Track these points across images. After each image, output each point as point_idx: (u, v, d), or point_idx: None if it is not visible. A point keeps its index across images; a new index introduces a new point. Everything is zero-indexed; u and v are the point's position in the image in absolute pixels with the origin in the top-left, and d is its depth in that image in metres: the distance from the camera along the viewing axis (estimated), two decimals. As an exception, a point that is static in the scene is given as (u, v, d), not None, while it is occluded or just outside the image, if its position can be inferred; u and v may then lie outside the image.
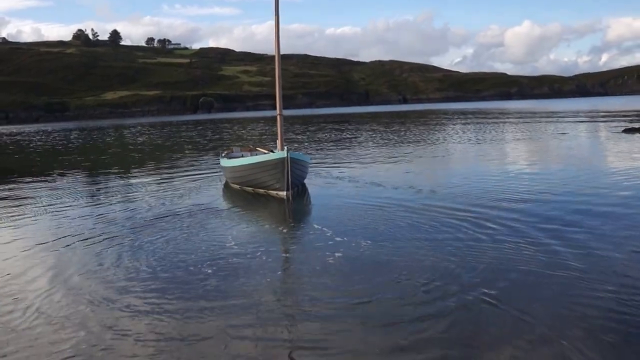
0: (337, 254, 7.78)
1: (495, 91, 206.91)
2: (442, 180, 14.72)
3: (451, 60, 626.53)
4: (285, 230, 9.70)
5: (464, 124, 45.19)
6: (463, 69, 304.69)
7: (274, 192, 12.58)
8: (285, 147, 12.39)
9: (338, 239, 8.63)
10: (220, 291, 6.49)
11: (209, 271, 7.24)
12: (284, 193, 12.15)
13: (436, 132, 35.40)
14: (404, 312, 5.72)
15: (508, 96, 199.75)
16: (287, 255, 8.25)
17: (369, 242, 8.40)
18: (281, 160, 12.01)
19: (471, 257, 7.44)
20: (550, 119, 46.40)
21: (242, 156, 15.30)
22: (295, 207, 11.63)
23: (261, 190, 13.01)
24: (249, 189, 13.46)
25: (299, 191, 13.24)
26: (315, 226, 9.60)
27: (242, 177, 13.59)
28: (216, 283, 6.78)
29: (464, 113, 71.36)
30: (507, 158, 19.93)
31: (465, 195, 11.89)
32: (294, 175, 12.17)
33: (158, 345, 5.21)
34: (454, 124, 45.10)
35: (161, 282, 6.89)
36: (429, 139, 29.30)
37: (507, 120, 49.14)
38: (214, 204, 12.11)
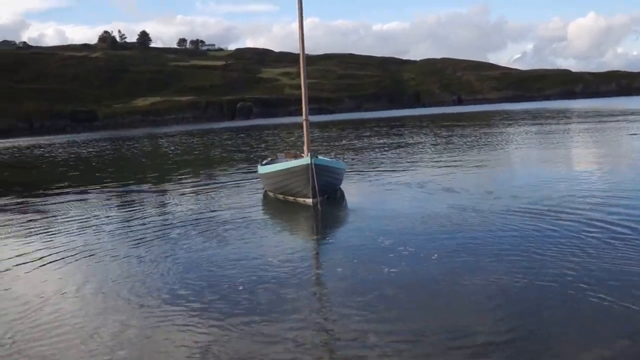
0: (376, 273, 7.75)
1: (557, 89, 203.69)
2: (517, 183, 15.13)
3: (510, 56, 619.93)
4: (310, 243, 10.13)
5: (528, 125, 45.01)
6: (522, 66, 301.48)
7: (301, 200, 13.11)
8: (309, 153, 12.90)
9: (375, 252, 8.77)
10: (246, 306, 6.78)
11: (228, 286, 7.60)
12: (311, 200, 12.67)
13: (500, 135, 35.42)
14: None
15: (572, 95, 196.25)
16: (305, 270, 8.19)
17: (423, 255, 8.47)
18: (305, 167, 12.46)
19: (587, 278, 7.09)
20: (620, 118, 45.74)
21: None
22: (324, 216, 11.92)
23: (290, 198, 13.56)
24: (281, 196, 14.06)
25: (334, 197, 13.96)
26: (347, 237, 10.08)
27: (274, 184, 14.28)
28: (241, 297, 7.12)
29: (527, 113, 70.53)
30: (582, 160, 20.30)
31: (547, 199, 12.15)
32: (321, 182, 12.51)
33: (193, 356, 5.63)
34: (517, 126, 44.92)
35: (199, 296, 7.26)
36: (494, 143, 29.43)
37: (573, 120, 48.68)
38: (245, 213, 12.64)
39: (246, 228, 11.05)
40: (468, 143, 30.64)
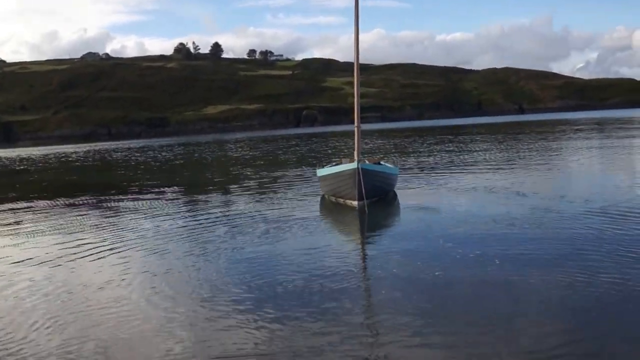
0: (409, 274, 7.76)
1: (622, 98, 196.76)
2: (587, 188, 14.56)
3: (573, 65, 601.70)
4: (356, 244, 10.32)
5: (593, 133, 43.37)
6: (586, 75, 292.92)
7: (349, 202, 13.57)
8: (357, 159, 13.49)
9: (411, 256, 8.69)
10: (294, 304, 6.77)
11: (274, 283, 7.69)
12: (356, 203, 13.10)
13: (564, 142, 34.09)
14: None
15: (636, 104, 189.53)
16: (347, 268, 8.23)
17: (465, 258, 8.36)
18: (352, 171, 13.09)
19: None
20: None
21: None
22: (369, 218, 12.28)
23: (341, 200, 14.12)
24: (333, 198, 14.69)
25: (385, 200, 14.42)
26: (391, 239, 10.34)
27: (327, 187, 15.01)
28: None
29: (591, 122, 68.41)
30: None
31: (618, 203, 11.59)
32: (368, 186, 12.93)
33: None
34: (582, 133, 43.37)
35: (250, 294, 7.25)
36: (558, 149, 28.23)
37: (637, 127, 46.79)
38: (300, 214, 13.01)
39: (299, 227, 11.43)
40: (532, 150, 29.44)
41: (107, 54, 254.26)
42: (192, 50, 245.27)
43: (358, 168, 12.89)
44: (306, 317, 6.25)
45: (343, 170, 13.63)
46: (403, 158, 28.95)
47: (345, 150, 38.48)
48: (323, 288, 7.22)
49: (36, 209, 17.28)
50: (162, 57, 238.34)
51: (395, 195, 15.37)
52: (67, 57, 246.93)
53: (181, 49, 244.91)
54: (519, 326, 5.78)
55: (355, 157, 13.97)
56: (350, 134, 76.43)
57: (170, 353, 5.60)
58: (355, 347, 5.48)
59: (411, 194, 15.72)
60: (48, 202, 18.91)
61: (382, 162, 17.99)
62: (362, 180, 12.79)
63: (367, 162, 15.42)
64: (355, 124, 14.77)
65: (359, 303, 6.75)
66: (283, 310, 6.52)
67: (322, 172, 15.48)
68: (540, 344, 5.32)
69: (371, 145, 44.95)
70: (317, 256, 8.89)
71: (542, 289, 6.83)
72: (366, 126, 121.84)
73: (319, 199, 15.46)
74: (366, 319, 6.24)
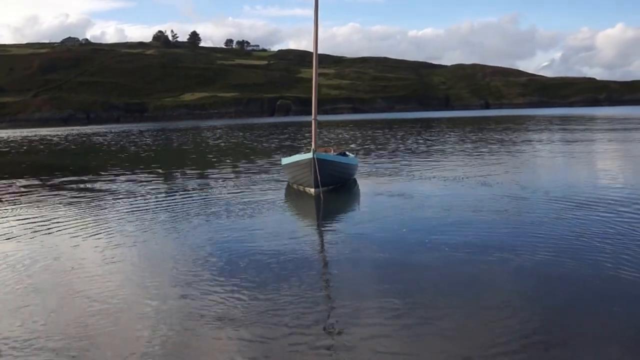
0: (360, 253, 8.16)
1: (582, 97, 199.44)
2: (546, 181, 14.45)
3: (538, 63, 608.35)
4: (312, 226, 10.85)
5: (555, 129, 43.98)
6: (549, 74, 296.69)
7: (307, 189, 14.08)
8: (313, 148, 13.97)
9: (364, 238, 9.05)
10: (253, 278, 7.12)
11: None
12: (313, 190, 13.69)
13: (526, 137, 34.54)
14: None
15: (596, 102, 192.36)
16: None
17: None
18: (309, 161, 13.58)
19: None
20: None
21: None
22: (326, 204, 12.66)
23: (301, 187, 14.61)
24: (295, 185, 15.15)
25: (344, 188, 14.83)
26: (343, 224, 10.84)
27: (290, 175, 15.48)
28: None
29: (553, 118, 69.26)
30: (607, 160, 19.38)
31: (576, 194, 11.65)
32: (324, 174, 13.54)
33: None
34: (544, 129, 43.96)
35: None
36: (520, 144, 28.59)
37: (596, 126, 47.53)
38: (264, 199, 13.47)
39: (261, 211, 11.92)
40: (497, 143, 29.77)
41: (87, 39, 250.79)
42: (170, 38, 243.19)
43: (314, 158, 13.41)
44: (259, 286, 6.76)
45: (301, 160, 14.16)
46: (372, 147, 29.10)
47: (318, 140, 38.46)
48: (276, 263, 7.69)
49: (13, 188, 17.27)
50: (141, 44, 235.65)
51: (356, 182, 15.91)
52: (47, 41, 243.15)
53: (160, 36, 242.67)
54: (473, 305, 5.96)
55: (312, 147, 14.38)
56: (322, 124, 76.71)
57: (138, 316, 5.92)
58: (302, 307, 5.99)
59: (373, 182, 16.13)
60: (26, 181, 18.92)
61: (347, 153, 18.31)
62: (317, 169, 13.35)
63: (333, 152, 16.36)
64: (313, 116, 15.28)
65: (301, 277, 7.08)
66: (240, 280, 7.00)
67: (285, 160, 15.91)
68: (494, 324, 5.47)
69: (347, 136, 44.96)
70: (272, 237, 9.29)
71: (496, 271, 7.07)
72: (339, 117, 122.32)
73: (285, 185, 15.79)
74: (310, 287, 6.69)
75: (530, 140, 32.18)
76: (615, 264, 7.07)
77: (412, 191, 13.90)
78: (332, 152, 17.27)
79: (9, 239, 9.79)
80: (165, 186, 16.85)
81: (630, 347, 4.98)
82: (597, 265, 7.05)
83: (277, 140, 40.73)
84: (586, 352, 4.94)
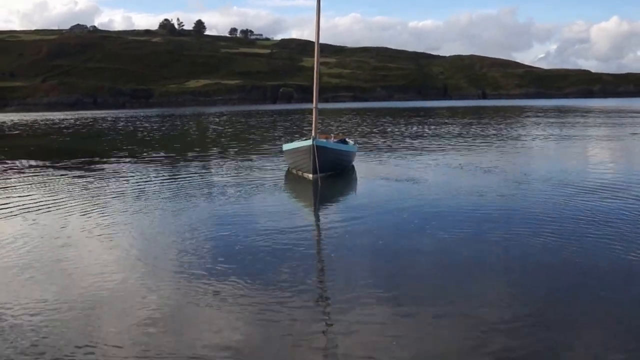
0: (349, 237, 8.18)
1: (577, 88, 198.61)
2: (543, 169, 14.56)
3: (534, 55, 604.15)
4: (309, 209, 11.08)
5: (551, 119, 43.87)
6: (545, 65, 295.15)
7: (306, 175, 14.13)
8: (313, 136, 14.04)
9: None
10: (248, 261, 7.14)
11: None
12: (311, 175, 13.72)
13: (522, 126, 34.50)
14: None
15: (590, 94, 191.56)
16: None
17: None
18: (308, 147, 13.61)
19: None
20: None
21: None
22: (324, 189, 12.73)
23: (300, 173, 14.65)
24: (294, 171, 15.21)
25: (342, 174, 14.86)
26: (340, 206, 11.12)
27: (290, 160, 15.57)
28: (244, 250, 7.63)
29: (549, 109, 69.09)
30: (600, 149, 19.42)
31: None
32: (323, 161, 13.54)
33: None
34: (541, 119, 43.86)
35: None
36: (515, 133, 28.57)
37: (590, 117, 47.44)
38: (265, 183, 13.61)
39: (261, 194, 12.08)
40: (496, 132, 29.75)
41: (94, 27, 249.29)
42: (176, 26, 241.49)
43: (313, 145, 13.43)
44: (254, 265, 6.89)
45: (301, 146, 14.27)
46: (372, 135, 29.04)
47: (321, 127, 38.47)
48: (270, 244, 7.78)
49: (21, 168, 17.57)
50: (147, 32, 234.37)
51: (354, 169, 15.96)
52: (56, 27, 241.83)
53: (166, 24, 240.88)
54: (469, 291, 5.92)
55: (313, 134, 14.45)
56: (324, 112, 76.52)
57: (134, 291, 6.07)
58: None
59: (372, 169, 16.17)
60: (34, 162, 19.17)
61: (347, 140, 18.32)
62: (316, 155, 13.33)
63: (332, 139, 16.57)
64: (314, 104, 15.47)
65: (295, 258, 7.17)
66: (235, 260, 7.09)
67: (286, 147, 15.97)
68: (491, 308, 5.47)
69: (349, 123, 44.82)
70: (269, 219, 9.41)
71: (498, 255, 7.06)
72: (339, 105, 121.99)
73: (285, 170, 15.82)
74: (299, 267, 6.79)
75: (528, 130, 32.15)
76: (625, 249, 7.07)
77: (410, 177, 13.90)
78: (332, 139, 17.24)
79: (15, 215, 9.95)
80: (171, 171, 16.96)
81: (636, 332, 4.93)
82: (602, 250, 7.03)
83: (281, 128, 40.65)
84: (591, 336, 4.88)
